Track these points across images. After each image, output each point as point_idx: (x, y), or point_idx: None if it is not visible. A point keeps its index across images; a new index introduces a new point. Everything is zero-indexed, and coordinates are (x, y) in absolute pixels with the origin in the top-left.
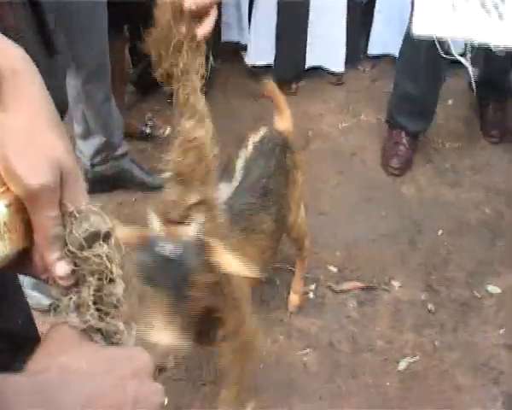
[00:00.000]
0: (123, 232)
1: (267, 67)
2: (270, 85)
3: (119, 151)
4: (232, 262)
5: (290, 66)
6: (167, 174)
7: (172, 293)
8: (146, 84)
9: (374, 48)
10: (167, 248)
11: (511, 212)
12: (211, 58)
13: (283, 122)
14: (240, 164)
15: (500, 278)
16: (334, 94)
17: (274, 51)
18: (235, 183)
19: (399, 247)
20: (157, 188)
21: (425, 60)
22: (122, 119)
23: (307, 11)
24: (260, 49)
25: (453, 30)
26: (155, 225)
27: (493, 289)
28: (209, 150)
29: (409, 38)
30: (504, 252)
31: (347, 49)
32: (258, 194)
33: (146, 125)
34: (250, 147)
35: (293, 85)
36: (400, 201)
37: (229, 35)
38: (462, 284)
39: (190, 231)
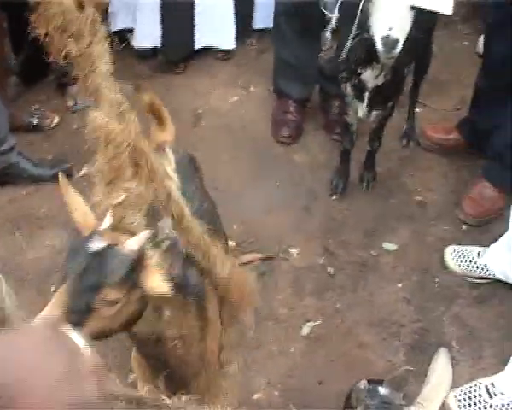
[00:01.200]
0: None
1: (156, 49)
2: (149, 98)
3: (6, 145)
4: (161, 285)
5: (178, 46)
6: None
7: (74, 290)
8: (30, 74)
9: (259, 21)
10: (93, 247)
11: (401, 169)
12: None
13: (166, 133)
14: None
15: (395, 234)
16: (222, 69)
17: (160, 33)
18: None
19: (295, 215)
20: (48, 180)
21: (297, 27)
22: (6, 111)
23: None
24: (147, 32)
25: None
26: (106, 222)
27: (389, 246)
28: (134, 143)
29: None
30: (397, 208)
31: (235, 23)
32: (206, 219)
33: (33, 116)
34: (174, 175)
35: (182, 65)
36: (293, 169)
37: (116, 24)
38: (358, 244)
39: (130, 241)
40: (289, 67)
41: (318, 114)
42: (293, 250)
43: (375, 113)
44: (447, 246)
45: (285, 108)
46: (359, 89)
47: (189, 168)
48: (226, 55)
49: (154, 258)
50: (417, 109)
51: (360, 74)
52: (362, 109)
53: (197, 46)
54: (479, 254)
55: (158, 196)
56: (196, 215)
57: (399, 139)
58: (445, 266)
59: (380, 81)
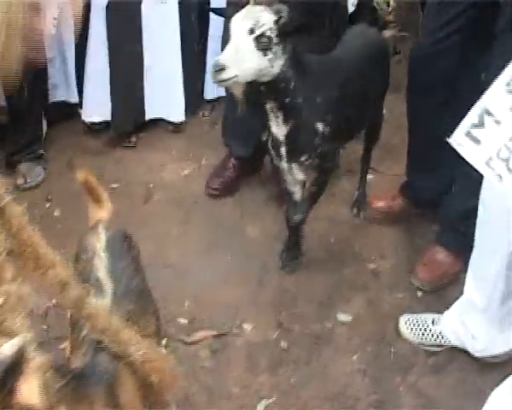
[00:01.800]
0: None
1: (106, 122)
2: (84, 176)
3: None
4: (31, 397)
5: (129, 118)
6: None
7: None
8: None
9: (210, 91)
10: None
11: (354, 237)
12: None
13: (103, 210)
14: (102, 273)
15: (350, 304)
16: (174, 142)
17: (110, 105)
18: (108, 296)
19: (248, 288)
20: None
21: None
22: None
23: (141, 61)
24: (96, 105)
25: None
26: None
27: (344, 317)
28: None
29: None
30: (351, 277)
31: (186, 95)
32: (134, 298)
33: None
34: (102, 254)
35: (133, 138)
36: (245, 241)
37: (56, 95)
38: (312, 317)
39: (5, 346)
40: (232, 124)
41: (271, 185)
42: (246, 326)
43: (294, 167)
44: (402, 314)
45: (225, 163)
46: (276, 145)
47: (121, 246)
48: (177, 127)
49: (35, 362)
50: (370, 176)
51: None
52: (284, 162)
53: (147, 117)
54: (433, 321)
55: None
56: (122, 294)
57: (351, 208)
58: (400, 335)
59: (283, 130)
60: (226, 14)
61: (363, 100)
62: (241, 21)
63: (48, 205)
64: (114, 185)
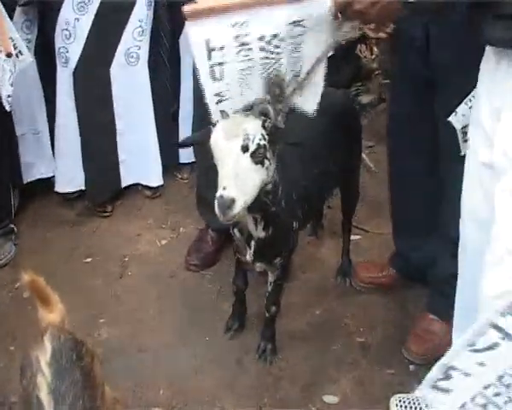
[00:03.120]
0: None
1: (82, 191)
2: (29, 277)
3: None
4: None
5: (104, 187)
6: None
7: None
8: None
9: (186, 155)
10: None
11: (340, 309)
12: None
13: (54, 314)
14: (43, 393)
15: (337, 384)
16: (151, 209)
17: (83, 176)
18: None
19: (227, 372)
20: None
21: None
22: None
23: (113, 127)
24: (69, 175)
25: None
26: None
27: (330, 399)
28: None
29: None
30: (338, 354)
31: (162, 158)
32: None
33: None
34: (46, 370)
35: (109, 207)
36: (223, 319)
37: (31, 174)
38: (296, 400)
39: None
40: (205, 196)
41: None
42: None
43: (259, 264)
44: (393, 393)
45: (203, 235)
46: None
47: (69, 358)
48: (155, 192)
49: None
50: (358, 236)
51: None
52: (249, 256)
53: (124, 184)
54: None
55: None
56: None
57: (335, 276)
58: None
59: (261, 234)
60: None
61: (326, 178)
62: (229, 142)
63: (17, 285)
64: (88, 260)
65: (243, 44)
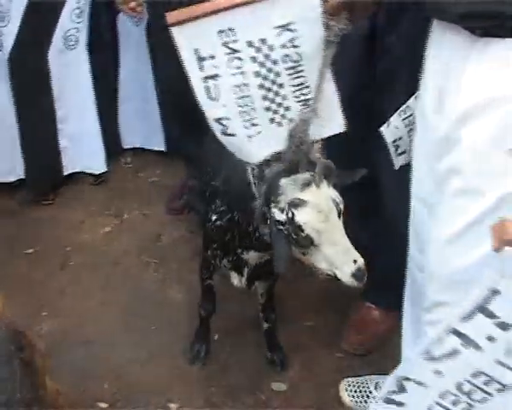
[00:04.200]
0: None
1: (22, 180)
2: None
3: None
4: None
5: (45, 175)
6: None
7: None
8: None
9: (128, 140)
10: None
11: (289, 293)
12: None
13: None
14: None
15: (285, 371)
16: (94, 195)
17: (23, 164)
18: None
19: (174, 362)
20: None
21: None
22: None
23: (53, 113)
24: (8, 164)
25: None
26: None
27: (278, 386)
28: None
29: None
30: (286, 338)
31: (105, 144)
32: None
33: None
34: None
35: (51, 195)
36: (170, 308)
37: None
38: (245, 388)
39: None
40: None
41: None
42: (172, 405)
43: (252, 286)
44: (343, 378)
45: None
46: (238, 265)
47: (6, 350)
48: (98, 178)
49: None
50: None
51: (241, 254)
52: (241, 282)
53: (66, 172)
54: (376, 385)
55: None
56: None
57: None
58: (341, 403)
59: (258, 261)
60: None
61: None
62: (328, 222)
63: None
64: (30, 251)
65: (233, 51)
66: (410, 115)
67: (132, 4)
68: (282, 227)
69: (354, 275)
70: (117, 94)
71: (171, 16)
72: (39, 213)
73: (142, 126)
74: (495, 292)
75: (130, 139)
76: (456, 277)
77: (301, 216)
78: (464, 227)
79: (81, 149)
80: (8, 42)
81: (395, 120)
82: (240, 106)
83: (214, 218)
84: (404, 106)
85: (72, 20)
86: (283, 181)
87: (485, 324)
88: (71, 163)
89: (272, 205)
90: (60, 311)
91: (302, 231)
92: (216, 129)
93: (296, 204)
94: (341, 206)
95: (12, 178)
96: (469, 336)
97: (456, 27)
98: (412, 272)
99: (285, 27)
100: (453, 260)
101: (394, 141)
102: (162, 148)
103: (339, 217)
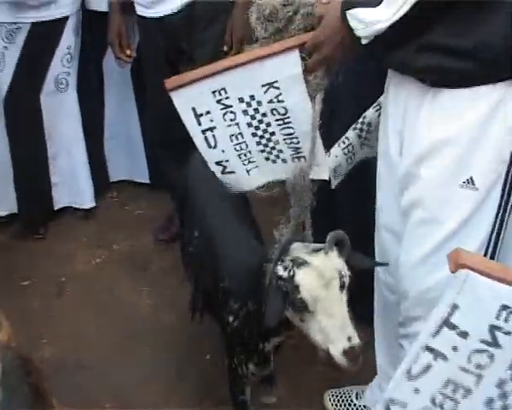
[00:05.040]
0: None
1: (14, 214)
2: None
3: None
4: None
5: (36, 210)
6: None
7: None
8: None
9: (115, 174)
10: None
11: None
12: None
13: (2, 332)
14: None
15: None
16: (84, 229)
17: (15, 198)
18: None
19: (169, 381)
20: None
21: None
22: None
23: (45, 152)
24: (1, 198)
25: None
26: None
27: (268, 399)
28: None
29: None
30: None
31: (93, 179)
32: None
33: None
34: None
35: (42, 229)
36: (163, 332)
37: None
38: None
39: None
40: None
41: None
42: None
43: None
44: (326, 390)
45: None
46: (264, 361)
47: (19, 374)
48: (87, 213)
49: None
50: None
51: (264, 347)
52: (269, 370)
53: (56, 207)
54: (357, 395)
55: None
56: None
57: None
58: None
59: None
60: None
61: None
62: (329, 290)
63: None
64: (25, 283)
65: (226, 107)
66: (350, 145)
67: (128, 52)
68: (282, 283)
69: (346, 352)
70: (103, 132)
71: (169, 82)
72: (32, 247)
73: (127, 160)
74: (455, 307)
75: (116, 172)
76: (427, 294)
77: (301, 276)
78: (430, 251)
79: (71, 184)
80: (4, 86)
81: (335, 150)
82: (237, 150)
83: (231, 319)
84: (343, 137)
85: (63, 65)
86: (295, 245)
87: (449, 336)
88: (61, 198)
89: (279, 263)
90: (58, 337)
91: (298, 292)
92: (216, 170)
93: (299, 263)
94: (346, 279)
95: (3, 212)
96: (439, 350)
97: (410, 77)
98: (381, 292)
99: (271, 85)
100: (423, 280)
101: (334, 167)
102: (147, 180)
103: (341, 289)
